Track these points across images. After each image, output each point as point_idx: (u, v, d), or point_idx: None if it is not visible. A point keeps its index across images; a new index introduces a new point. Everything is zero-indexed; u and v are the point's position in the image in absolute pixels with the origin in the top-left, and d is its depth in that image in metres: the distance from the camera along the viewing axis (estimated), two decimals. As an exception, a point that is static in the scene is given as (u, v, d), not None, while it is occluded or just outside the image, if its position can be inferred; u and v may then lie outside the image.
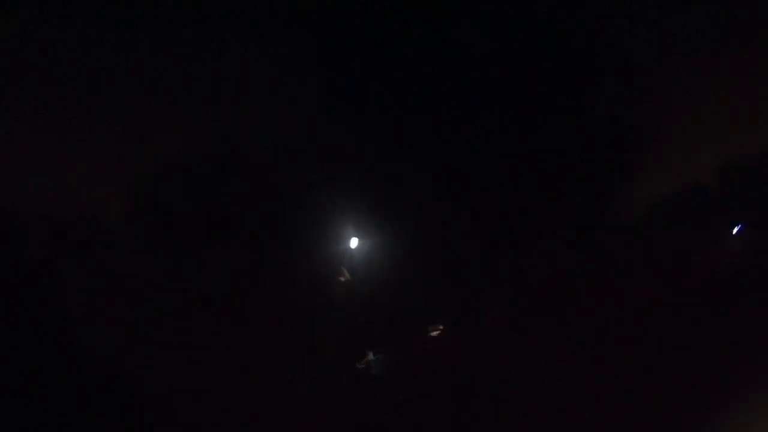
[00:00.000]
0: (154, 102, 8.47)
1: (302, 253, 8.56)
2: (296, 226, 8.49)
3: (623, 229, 9.78)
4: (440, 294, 9.08)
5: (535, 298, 8.98)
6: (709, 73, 9.85)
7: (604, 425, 7.76)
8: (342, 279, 8.84)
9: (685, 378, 8.04)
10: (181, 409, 7.29)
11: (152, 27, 8.40)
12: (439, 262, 9.01)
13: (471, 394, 8.09)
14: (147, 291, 7.76)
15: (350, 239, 8.76)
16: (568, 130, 9.15)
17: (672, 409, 7.90)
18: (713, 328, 8.57)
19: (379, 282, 8.78)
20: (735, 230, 9.82)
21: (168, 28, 8.42)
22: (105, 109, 8.41)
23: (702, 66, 9.76)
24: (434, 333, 9.46)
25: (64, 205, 8.02)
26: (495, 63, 8.89)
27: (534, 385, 8.16)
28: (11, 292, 7.35)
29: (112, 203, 8.41)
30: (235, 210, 8.36)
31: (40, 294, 7.51)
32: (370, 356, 8.77)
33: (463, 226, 8.87)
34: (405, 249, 8.77)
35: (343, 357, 8.73)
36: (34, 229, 7.89)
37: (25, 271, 7.62)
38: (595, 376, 8.06)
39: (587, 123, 9.30)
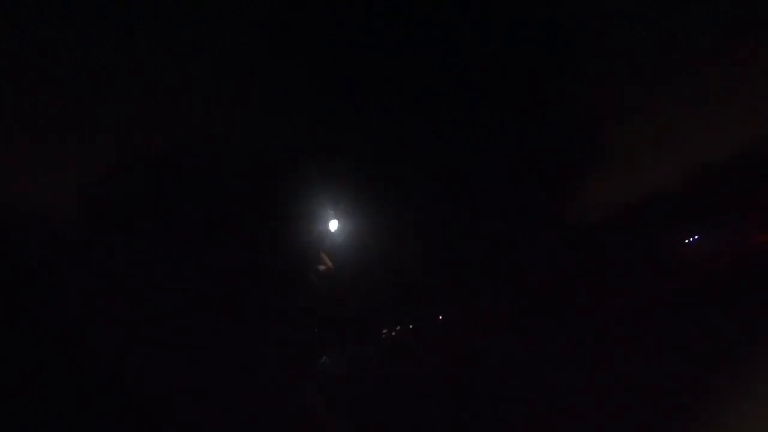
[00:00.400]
0: (127, 100, 8.45)
1: (281, 241, 8.49)
2: (275, 213, 8.43)
3: (605, 230, 9.81)
4: (424, 286, 9.04)
5: (510, 290, 8.99)
6: (688, 75, 9.91)
7: (604, 425, 7.75)
8: (323, 267, 8.73)
9: (675, 378, 8.05)
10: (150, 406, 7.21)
11: (136, 26, 8.39)
12: (424, 253, 8.96)
13: (470, 393, 8.08)
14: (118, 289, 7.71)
15: (330, 224, 8.64)
16: (542, 132, 9.19)
17: (668, 408, 7.89)
18: (699, 328, 8.61)
19: (359, 272, 8.71)
20: (709, 233, 9.89)
21: (154, 25, 8.41)
22: (75, 108, 8.38)
23: (680, 70, 9.82)
24: (392, 332, 9.48)
25: (28, 206, 7.95)
26: (478, 61, 8.88)
27: (528, 383, 8.16)
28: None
29: (78, 203, 8.38)
30: (211, 200, 8.30)
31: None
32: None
33: (447, 216, 8.85)
34: (386, 238, 8.72)
35: (324, 351, 8.65)
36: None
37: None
38: (589, 376, 8.07)
39: (558, 125, 9.32)
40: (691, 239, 10.02)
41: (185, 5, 8.41)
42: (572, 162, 9.38)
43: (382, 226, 8.80)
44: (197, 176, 8.52)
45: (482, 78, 8.87)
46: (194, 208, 8.32)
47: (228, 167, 8.55)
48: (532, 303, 9.04)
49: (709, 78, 9.81)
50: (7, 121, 8.16)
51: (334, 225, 8.75)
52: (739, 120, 9.72)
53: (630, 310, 9.03)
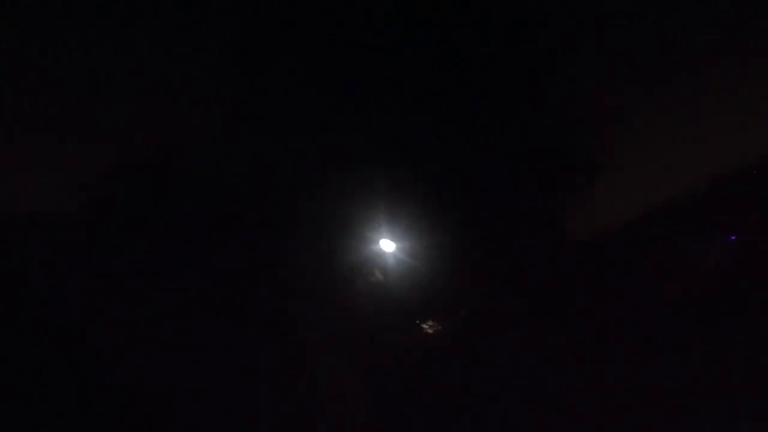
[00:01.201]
0: (145, 101, 8.43)
1: (328, 253, 8.48)
2: (320, 226, 8.41)
3: (620, 232, 9.82)
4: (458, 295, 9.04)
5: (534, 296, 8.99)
6: (704, 75, 9.91)
7: (604, 425, 7.77)
8: (372, 279, 8.77)
9: (675, 378, 8.07)
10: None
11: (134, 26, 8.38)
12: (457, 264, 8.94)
13: (470, 393, 8.09)
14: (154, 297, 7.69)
15: (380, 241, 8.71)
16: (559, 128, 9.19)
17: (668, 409, 7.91)
18: (707, 333, 8.62)
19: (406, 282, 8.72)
20: (729, 238, 9.87)
21: (150, 25, 8.40)
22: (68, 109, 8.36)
23: (697, 68, 9.81)
24: (428, 329, 9.48)
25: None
26: (493, 63, 8.88)
27: (528, 383, 8.17)
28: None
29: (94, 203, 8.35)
30: (252, 209, 8.25)
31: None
32: None
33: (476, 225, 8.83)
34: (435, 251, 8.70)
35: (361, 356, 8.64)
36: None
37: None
38: (589, 376, 8.08)
39: (572, 123, 9.31)
40: (696, 243, 10.03)
41: (185, 5, 8.41)
42: (577, 164, 9.41)
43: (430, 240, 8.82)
44: (222, 186, 8.49)
45: (514, 96, 8.90)
46: (215, 216, 8.29)
47: (258, 181, 8.52)
48: (533, 303, 9.05)
49: (717, 79, 9.84)
50: (6, 121, 8.15)
51: (386, 245, 8.84)
52: (749, 124, 9.74)
53: (630, 311, 9.05)
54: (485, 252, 9.10)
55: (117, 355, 7.29)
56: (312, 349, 8.25)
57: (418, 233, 8.75)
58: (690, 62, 9.91)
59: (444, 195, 8.82)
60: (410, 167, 8.69)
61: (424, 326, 9.57)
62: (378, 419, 8.00)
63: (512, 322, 9.10)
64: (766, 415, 7.71)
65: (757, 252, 9.44)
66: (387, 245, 8.78)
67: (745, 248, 9.69)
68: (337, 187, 8.44)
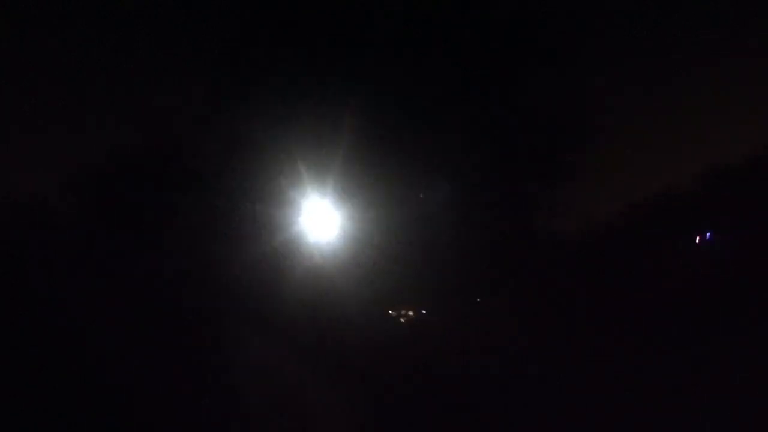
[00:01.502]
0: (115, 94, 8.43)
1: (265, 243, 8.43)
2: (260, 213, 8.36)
3: (620, 232, 9.83)
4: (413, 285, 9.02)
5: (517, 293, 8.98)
6: (703, 75, 9.93)
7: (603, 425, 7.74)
8: (311, 265, 8.66)
9: (675, 378, 8.05)
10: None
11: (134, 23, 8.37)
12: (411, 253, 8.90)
13: (471, 393, 8.08)
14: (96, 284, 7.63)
15: (322, 217, 8.59)
16: (550, 127, 9.20)
17: (668, 409, 7.88)
18: (696, 329, 8.62)
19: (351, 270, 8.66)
20: (712, 233, 9.88)
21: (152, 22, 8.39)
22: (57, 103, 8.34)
23: (697, 68, 9.84)
24: (403, 318, 9.50)
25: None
26: (482, 61, 8.87)
27: (529, 383, 8.16)
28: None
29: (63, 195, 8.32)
30: (201, 201, 8.22)
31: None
32: None
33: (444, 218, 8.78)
34: (379, 240, 8.66)
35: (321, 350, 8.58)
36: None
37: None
38: (590, 376, 8.07)
39: (563, 123, 9.31)
40: (698, 240, 10.02)
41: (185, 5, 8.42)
42: (575, 162, 9.41)
43: (375, 218, 8.74)
44: (192, 175, 8.47)
45: (489, 77, 8.85)
46: (188, 206, 8.27)
47: (217, 164, 8.50)
48: (535, 303, 9.05)
49: (713, 79, 9.86)
50: (5, 119, 8.15)
51: (325, 218, 8.68)
52: (744, 120, 9.77)
53: (631, 311, 9.04)
54: (485, 252, 9.10)
55: (113, 352, 7.28)
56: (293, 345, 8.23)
57: (417, 232, 8.75)
58: (690, 62, 9.93)
59: (442, 196, 8.82)
60: (411, 166, 8.70)
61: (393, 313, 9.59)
62: (377, 420, 7.99)
63: (511, 322, 9.11)
64: (766, 415, 7.68)
65: (756, 252, 9.43)
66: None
67: (745, 248, 9.68)
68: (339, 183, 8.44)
